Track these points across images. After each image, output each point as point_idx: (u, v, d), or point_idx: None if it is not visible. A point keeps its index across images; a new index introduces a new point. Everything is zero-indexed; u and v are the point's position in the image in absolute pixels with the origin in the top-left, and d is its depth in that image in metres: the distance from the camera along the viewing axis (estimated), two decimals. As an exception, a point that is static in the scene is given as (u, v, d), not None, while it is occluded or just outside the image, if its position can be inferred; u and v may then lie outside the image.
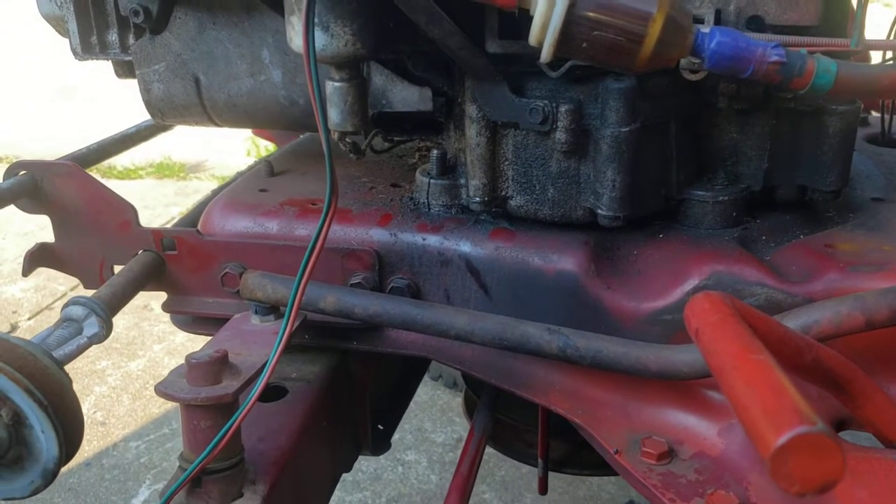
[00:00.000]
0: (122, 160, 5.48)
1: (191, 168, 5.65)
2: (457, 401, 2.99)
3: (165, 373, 3.27)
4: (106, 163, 3.60)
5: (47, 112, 6.65)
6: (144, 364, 3.31)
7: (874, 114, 1.81)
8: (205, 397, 1.03)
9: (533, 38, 0.84)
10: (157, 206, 5.03)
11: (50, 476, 1.01)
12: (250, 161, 5.62)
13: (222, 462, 1.06)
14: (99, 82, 5.54)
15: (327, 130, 0.87)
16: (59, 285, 3.97)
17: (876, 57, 1.56)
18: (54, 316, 3.73)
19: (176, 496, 1.04)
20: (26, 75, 7.20)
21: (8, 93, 6.92)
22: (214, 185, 5.36)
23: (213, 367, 1.05)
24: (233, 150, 5.50)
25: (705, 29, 0.98)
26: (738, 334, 0.66)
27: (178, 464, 1.08)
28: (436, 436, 2.87)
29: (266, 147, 5.16)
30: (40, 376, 1.00)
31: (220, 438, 1.03)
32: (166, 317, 1.43)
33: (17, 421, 0.98)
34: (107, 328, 1.20)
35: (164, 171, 5.59)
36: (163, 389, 1.05)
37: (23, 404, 0.97)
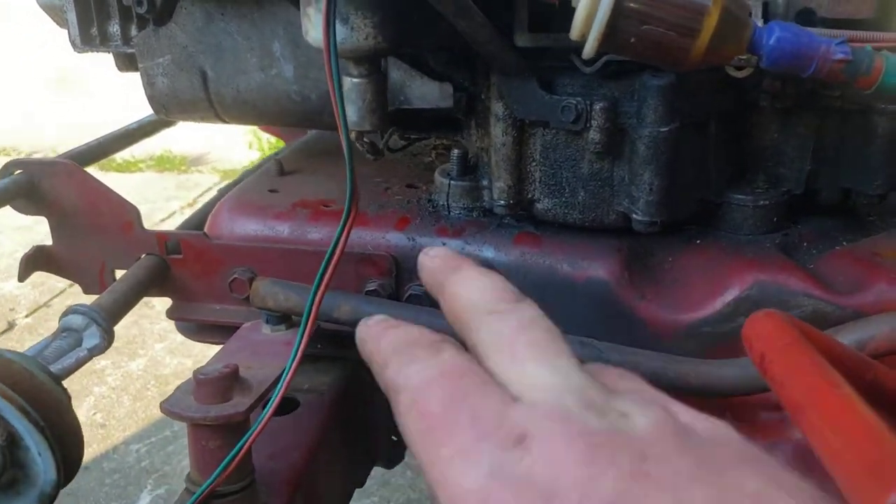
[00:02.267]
0: (121, 153, 5.41)
1: (192, 161, 5.57)
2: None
3: (167, 372, 3.20)
4: (105, 156, 3.54)
5: (47, 102, 6.57)
6: (145, 363, 3.24)
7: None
8: (214, 416, 0.96)
9: (575, 32, 0.76)
10: (158, 199, 4.95)
11: (47, 500, 0.94)
12: (253, 154, 5.55)
13: (232, 484, 0.99)
14: (100, 72, 5.46)
15: (348, 133, 0.80)
16: (57, 282, 3.89)
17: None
18: (52, 313, 3.66)
19: (183, 521, 0.98)
20: (25, 64, 7.12)
21: (6, 82, 6.85)
22: (216, 178, 5.29)
23: (222, 383, 0.98)
24: (234, 143, 5.42)
25: (760, 22, 0.91)
26: (814, 364, 0.59)
27: (184, 485, 1.01)
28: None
29: (268, 140, 5.09)
30: (36, 394, 0.93)
31: (231, 460, 0.96)
32: (167, 314, 1.35)
33: (12, 442, 0.91)
34: (108, 339, 1.13)
35: (165, 163, 5.51)
36: (169, 408, 0.98)
37: (18, 425, 0.90)
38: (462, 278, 0.66)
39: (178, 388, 1.01)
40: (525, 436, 0.52)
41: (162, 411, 0.99)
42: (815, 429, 0.54)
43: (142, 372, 3.20)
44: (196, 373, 0.98)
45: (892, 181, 1.13)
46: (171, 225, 4.58)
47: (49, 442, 0.91)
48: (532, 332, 0.62)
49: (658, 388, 0.89)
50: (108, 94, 5.25)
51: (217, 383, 0.97)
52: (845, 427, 0.52)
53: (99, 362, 3.22)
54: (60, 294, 3.78)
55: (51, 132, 6.01)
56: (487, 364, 0.58)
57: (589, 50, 0.76)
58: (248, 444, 0.97)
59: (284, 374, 0.98)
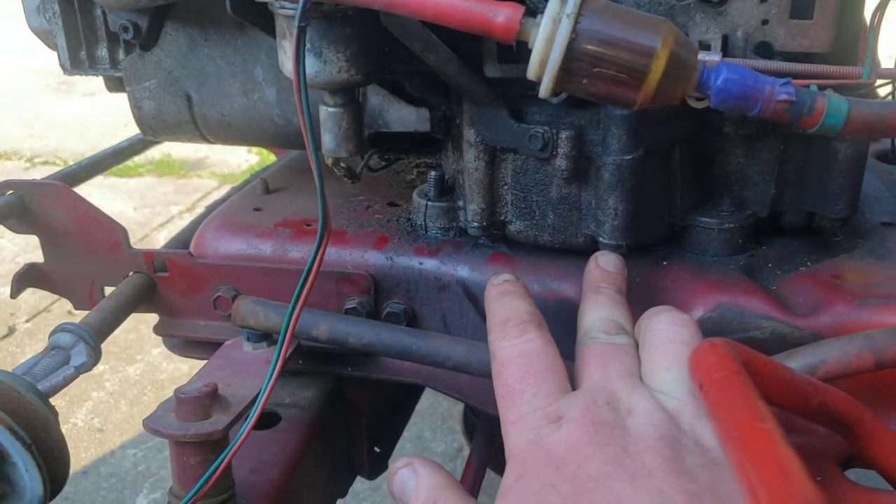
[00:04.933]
0: (122, 157, 5.44)
1: (191, 166, 5.62)
2: (458, 407, 2.96)
3: (163, 377, 3.24)
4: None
5: (48, 105, 6.61)
6: (142, 368, 3.29)
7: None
8: (194, 433, 1.00)
9: (531, 74, 0.80)
10: (157, 204, 4.99)
11: (34, 514, 0.98)
12: (252, 159, 5.59)
13: (213, 498, 1.03)
14: (98, 78, 5.51)
15: (320, 163, 0.84)
16: (57, 286, 3.94)
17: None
18: (53, 318, 3.71)
19: (164, 534, 1.02)
20: (23, 70, 7.16)
21: (5, 87, 6.90)
22: (215, 182, 5.33)
23: (202, 401, 1.02)
24: (233, 147, 5.46)
25: (715, 56, 0.95)
26: (745, 398, 0.63)
27: (167, 500, 1.05)
28: (436, 445, 2.85)
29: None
30: (24, 412, 0.97)
31: (210, 475, 1.00)
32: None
33: (1, 459, 0.95)
34: (95, 356, 1.17)
35: (164, 168, 5.55)
36: (151, 425, 1.02)
37: (5, 442, 0.94)
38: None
39: (161, 405, 1.05)
40: (561, 416, 0.72)
41: (144, 428, 1.03)
42: (736, 460, 0.58)
43: (139, 377, 3.25)
44: (177, 391, 1.03)
45: (853, 205, 1.16)
46: (170, 229, 4.62)
47: (36, 458, 0.95)
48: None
49: None
50: (110, 95, 5.29)
51: (197, 402, 1.02)
52: (761, 460, 0.56)
53: (97, 367, 3.26)
54: (60, 299, 3.82)
55: (52, 136, 6.06)
56: None
57: (544, 91, 0.80)
58: (226, 460, 1.01)
59: (261, 392, 1.02)
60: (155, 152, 5.59)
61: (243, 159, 5.42)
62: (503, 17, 0.80)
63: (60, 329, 1.16)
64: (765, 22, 0.99)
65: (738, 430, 0.59)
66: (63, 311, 3.66)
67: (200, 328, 1.31)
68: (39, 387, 1.05)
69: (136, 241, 4.43)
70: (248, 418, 1.02)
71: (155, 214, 4.81)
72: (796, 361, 0.97)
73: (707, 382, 0.68)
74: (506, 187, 1.16)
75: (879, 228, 1.26)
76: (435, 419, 2.94)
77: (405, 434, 2.95)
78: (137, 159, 5.58)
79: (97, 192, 4.82)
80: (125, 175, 5.52)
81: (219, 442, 1.02)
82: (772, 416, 0.62)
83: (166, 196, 5.16)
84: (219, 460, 1.00)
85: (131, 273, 1.31)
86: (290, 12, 0.93)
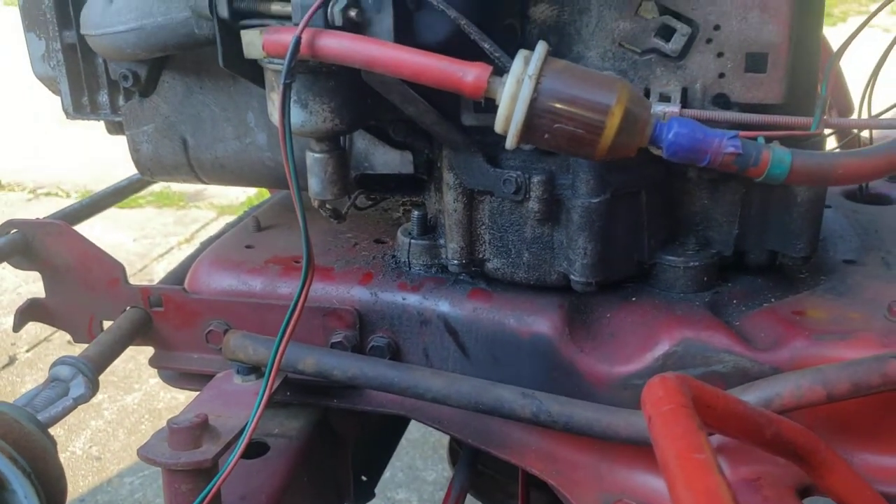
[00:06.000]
0: (122, 188, 5.50)
1: (190, 197, 5.69)
2: (448, 437, 3.00)
3: (160, 406, 3.27)
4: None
5: (52, 135, 6.69)
6: (140, 398, 3.34)
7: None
8: (184, 462, 1.06)
9: (498, 128, 0.87)
10: (157, 235, 5.05)
11: (32, 540, 1.03)
12: (250, 191, 5.65)
13: (202, 525, 1.08)
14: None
15: (303, 212, 0.90)
16: (57, 316, 3.99)
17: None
18: (53, 347, 3.76)
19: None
20: (29, 100, 7.24)
21: (11, 118, 6.98)
22: (213, 213, 5.40)
23: (193, 431, 1.08)
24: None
25: (675, 108, 1.02)
26: (686, 429, 0.69)
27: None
28: (427, 474, 2.89)
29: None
30: (24, 442, 1.03)
31: (200, 503, 1.05)
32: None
33: (1, 486, 1.00)
34: (93, 388, 1.23)
35: (164, 199, 5.63)
36: (144, 453, 1.08)
37: (6, 470, 0.99)
38: None
39: (154, 434, 1.11)
40: None
41: (139, 456, 1.09)
42: (671, 485, 0.64)
43: (137, 406, 3.30)
44: (169, 421, 1.08)
45: (813, 244, 1.23)
46: (169, 260, 4.68)
47: (35, 487, 1.01)
48: None
49: (590, 436, 1.01)
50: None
51: (188, 432, 1.07)
52: (692, 486, 0.61)
53: (96, 396, 3.31)
54: (60, 331, 3.87)
55: (55, 167, 6.13)
56: None
57: (510, 143, 0.87)
58: (216, 487, 1.06)
59: (248, 424, 1.08)
60: (155, 184, 5.67)
61: (241, 191, 5.48)
62: (472, 76, 0.87)
63: (60, 362, 1.22)
64: (721, 75, 1.06)
65: (676, 458, 0.65)
66: (63, 340, 3.71)
67: (193, 361, 1.36)
68: (39, 417, 1.11)
69: (136, 271, 4.49)
70: (237, 447, 1.08)
71: (154, 245, 4.87)
72: (753, 395, 1.03)
73: (654, 415, 0.74)
74: (483, 227, 1.22)
75: (842, 266, 1.32)
76: (426, 448, 2.98)
77: (397, 463, 3.00)
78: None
79: (99, 224, 4.89)
80: (126, 206, 5.59)
81: (209, 470, 1.08)
82: (709, 447, 0.67)
83: (166, 227, 5.23)
84: (208, 488, 1.05)
85: (128, 308, 1.37)
86: (278, 67, 1.00)
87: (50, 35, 1.36)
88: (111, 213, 5.35)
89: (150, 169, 1.43)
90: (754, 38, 1.03)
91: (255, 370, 1.24)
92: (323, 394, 1.32)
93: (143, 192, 5.63)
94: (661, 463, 0.68)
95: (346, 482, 1.45)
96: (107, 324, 1.39)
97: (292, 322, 1.05)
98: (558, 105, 0.83)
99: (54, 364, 1.23)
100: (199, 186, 5.71)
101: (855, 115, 1.49)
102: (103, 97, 1.40)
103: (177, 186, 5.65)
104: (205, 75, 1.32)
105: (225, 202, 5.48)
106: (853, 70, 1.72)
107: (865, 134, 1.64)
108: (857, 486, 1.04)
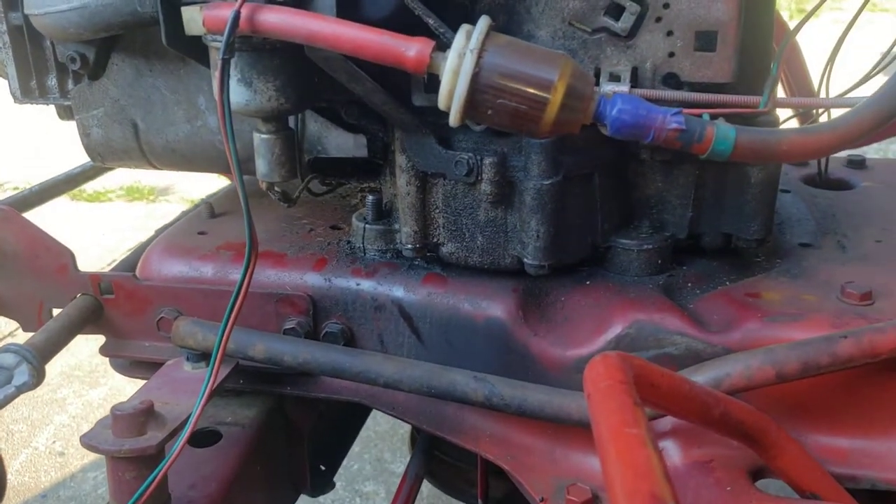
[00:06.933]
0: (91, 183, 5.45)
1: (160, 191, 5.63)
2: (418, 429, 2.99)
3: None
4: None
5: (41, 138, 6.60)
6: (106, 392, 3.29)
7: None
8: (128, 449, 1.04)
9: (441, 104, 0.86)
10: (127, 229, 4.99)
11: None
12: (221, 183, 5.61)
13: (147, 513, 1.06)
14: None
15: (244, 193, 0.89)
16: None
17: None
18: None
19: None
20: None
21: (10, 118, 6.88)
22: (184, 207, 5.35)
23: (137, 418, 1.05)
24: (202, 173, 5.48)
25: (624, 87, 1.01)
26: (621, 405, 0.68)
27: (104, 514, 1.08)
28: (395, 466, 2.87)
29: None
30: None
31: (144, 490, 1.03)
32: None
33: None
34: (37, 376, 1.20)
35: (134, 194, 5.56)
36: (87, 441, 1.05)
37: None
38: None
39: (98, 422, 1.09)
40: None
41: (81, 444, 1.07)
42: (604, 460, 0.63)
43: (102, 401, 3.25)
44: (113, 408, 1.06)
45: (768, 226, 1.22)
46: (138, 254, 4.63)
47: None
48: None
49: (542, 419, 0.99)
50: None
51: (132, 418, 1.05)
52: (623, 460, 0.60)
53: (60, 391, 3.27)
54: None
55: (56, 167, 6.05)
56: None
57: (453, 120, 0.85)
58: (160, 474, 1.04)
59: (194, 411, 1.06)
60: (125, 178, 5.61)
61: (211, 184, 5.44)
62: (414, 51, 0.86)
63: (4, 349, 1.19)
64: (671, 54, 1.05)
65: (609, 433, 0.64)
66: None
67: (145, 349, 1.34)
68: (-21, 405, 1.08)
69: (105, 266, 4.43)
70: (181, 436, 1.06)
71: (124, 240, 4.81)
72: (703, 375, 1.03)
73: (593, 392, 0.73)
74: (437, 211, 1.20)
75: (798, 249, 1.32)
76: (395, 441, 2.96)
77: (365, 455, 2.99)
78: (107, 185, 5.60)
79: (69, 219, 4.84)
80: (95, 200, 5.53)
81: (154, 457, 1.05)
82: (645, 422, 0.66)
83: (136, 221, 5.17)
84: (153, 475, 1.03)
85: (78, 295, 1.34)
86: (220, 44, 0.98)
87: (-4, 17, 1.33)
88: (82, 207, 5.29)
89: (100, 154, 1.40)
90: (703, 16, 1.03)
91: (205, 357, 1.22)
92: (276, 381, 1.30)
93: (112, 187, 5.59)
94: (596, 438, 0.67)
95: (302, 471, 1.43)
96: (57, 312, 1.36)
97: (237, 307, 1.04)
98: (501, 80, 0.82)
99: (-2, 352, 1.20)
100: (169, 181, 5.66)
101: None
102: (52, 81, 1.38)
103: (147, 181, 5.60)
104: (154, 58, 1.30)
105: (196, 195, 5.42)
106: (819, 53, 1.71)
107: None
108: (809, 466, 1.04)
